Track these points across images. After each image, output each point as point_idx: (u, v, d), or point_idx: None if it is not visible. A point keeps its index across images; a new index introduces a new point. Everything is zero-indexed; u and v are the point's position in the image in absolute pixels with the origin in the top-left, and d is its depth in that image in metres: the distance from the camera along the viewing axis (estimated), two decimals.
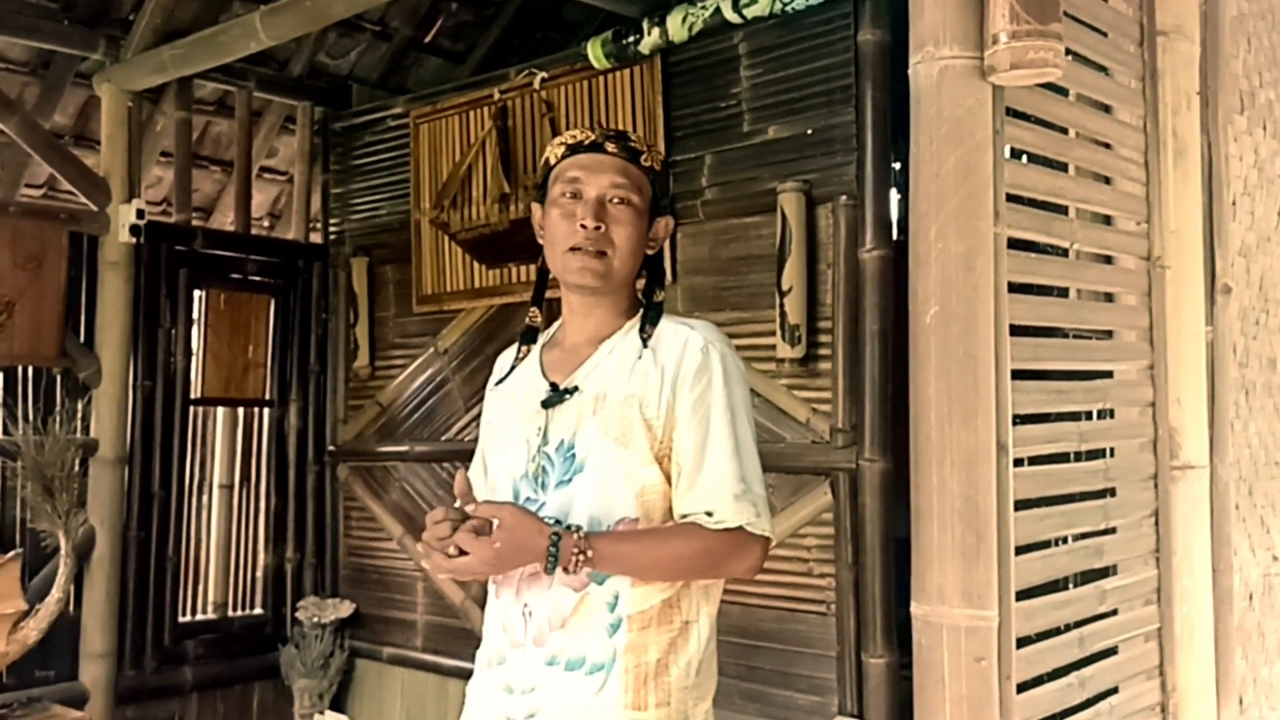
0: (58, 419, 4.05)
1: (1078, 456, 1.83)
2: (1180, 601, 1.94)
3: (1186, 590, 1.96)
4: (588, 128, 1.84)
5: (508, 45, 5.33)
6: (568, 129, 1.89)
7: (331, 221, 5.12)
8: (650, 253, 1.86)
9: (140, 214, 4.34)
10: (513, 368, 1.93)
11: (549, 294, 1.97)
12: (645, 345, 1.77)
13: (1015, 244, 1.68)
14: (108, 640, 4.32)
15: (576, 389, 1.78)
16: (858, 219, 3.47)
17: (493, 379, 1.98)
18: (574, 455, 1.76)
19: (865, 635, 3.39)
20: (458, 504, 1.69)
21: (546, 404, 1.80)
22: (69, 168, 4.34)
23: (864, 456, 3.40)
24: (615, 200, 1.76)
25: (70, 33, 4.31)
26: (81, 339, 4.33)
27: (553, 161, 1.83)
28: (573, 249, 1.76)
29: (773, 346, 3.59)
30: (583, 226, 1.75)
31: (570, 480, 1.75)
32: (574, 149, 1.80)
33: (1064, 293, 1.91)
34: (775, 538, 3.57)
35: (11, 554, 3.48)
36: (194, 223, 4.90)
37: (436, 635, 4.61)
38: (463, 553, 1.62)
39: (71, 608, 4.25)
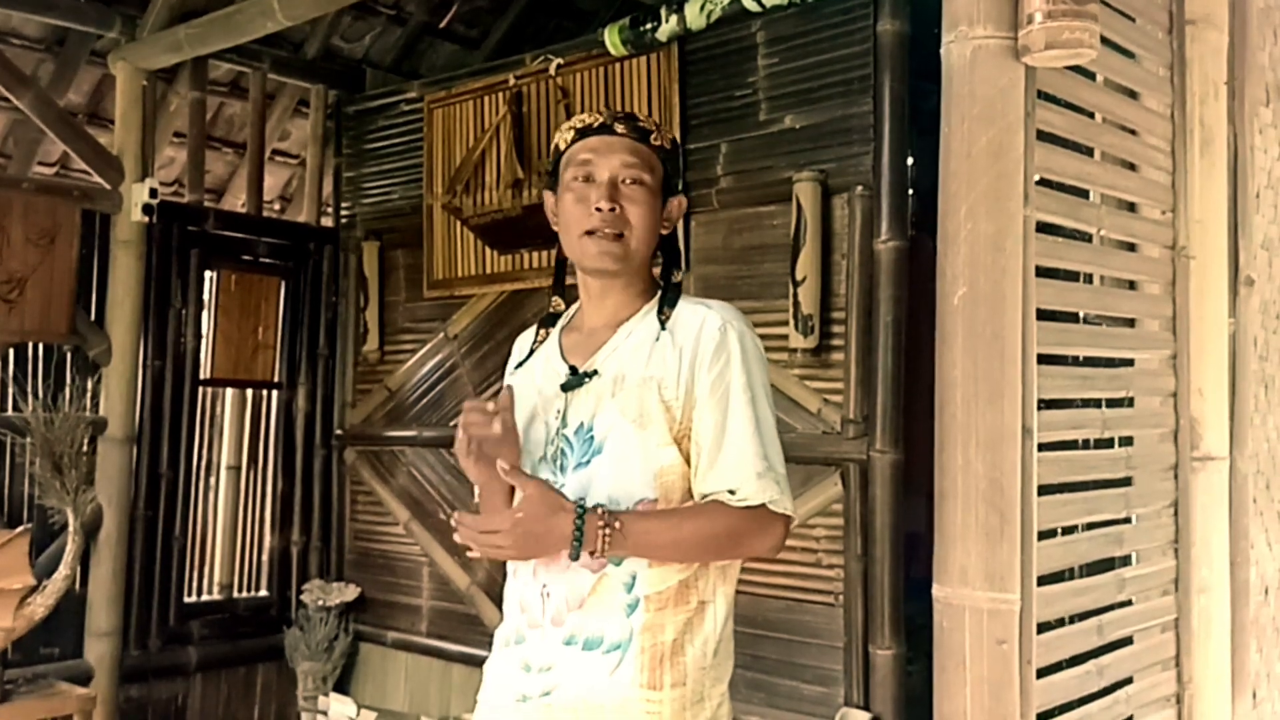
0: (67, 396, 4.05)
1: (1100, 444, 1.82)
2: (1198, 593, 1.94)
3: (1204, 582, 1.95)
4: (596, 111, 1.84)
5: (522, 31, 5.33)
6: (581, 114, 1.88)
7: (343, 205, 5.11)
8: (664, 233, 1.85)
9: (153, 193, 4.33)
10: (531, 351, 1.93)
11: (567, 280, 1.97)
12: (663, 327, 1.77)
13: (1042, 228, 1.67)
14: (113, 618, 4.32)
15: (596, 372, 1.78)
16: (873, 210, 3.46)
17: (512, 361, 1.98)
18: (592, 437, 1.76)
19: (873, 627, 3.38)
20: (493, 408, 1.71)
21: (566, 387, 1.80)
22: (82, 145, 4.33)
23: (875, 448, 3.39)
24: (628, 180, 1.76)
25: (86, 10, 4.30)
26: (92, 317, 4.33)
27: (563, 147, 1.83)
28: (588, 232, 1.76)
29: (785, 336, 3.58)
30: (598, 210, 1.74)
31: (589, 462, 1.75)
32: (583, 132, 1.80)
33: (1089, 278, 1.89)
34: None
35: (19, 529, 3.48)
36: (206, 204, 4.90)
37: (441, 620, 4.61)
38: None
39: (78, 585, 4.26)
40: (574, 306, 1.95)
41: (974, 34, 1.54)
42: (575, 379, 1.79)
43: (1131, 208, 1.99)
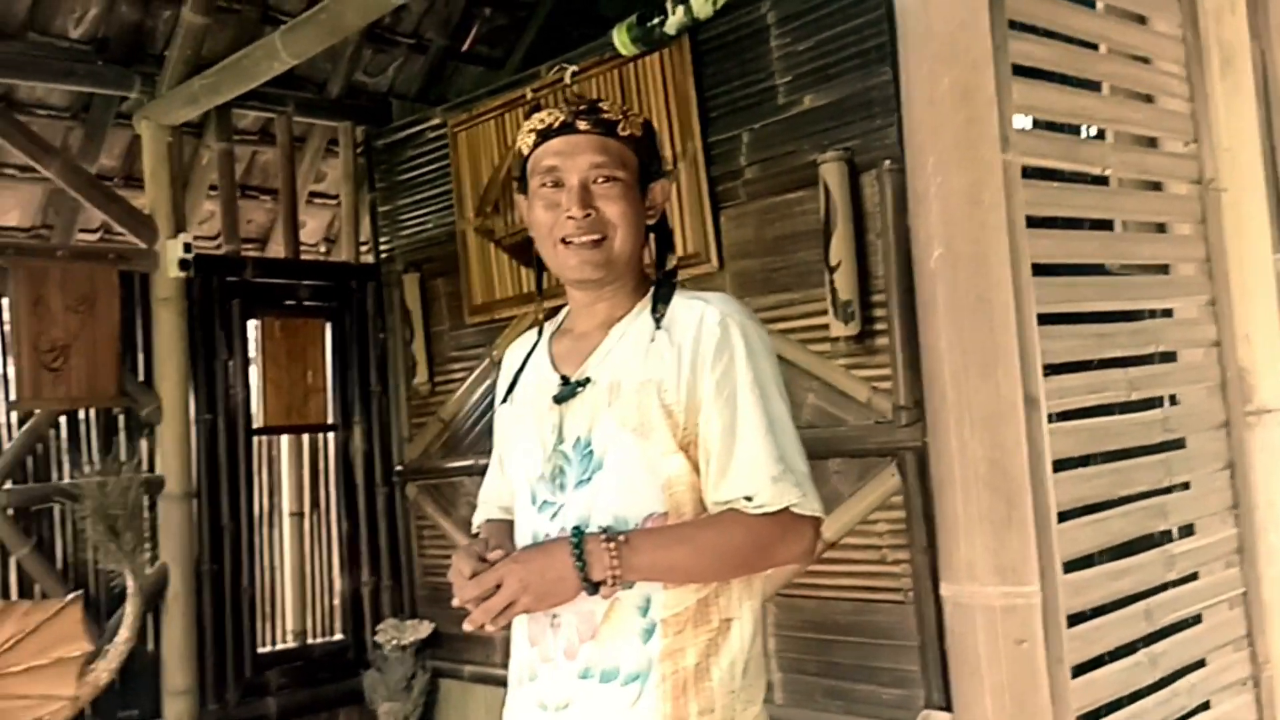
0: (120, 458, 4.07)
1: (1130, 408, 1.63)
2: (1267, 562, 1.72)
3: (1274, 548, 1.73)
4: (556, 106, 1.68)
5: (544, 46, 5.25)
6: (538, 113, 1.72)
7: (381, 239, 5.09)
8: (651, 221, 1.71)
9: (187, 248, 4.34)
10: (519, 373, 1.80)
11: None
12: (658, 326, 1.62)
13: (1038, 174, 1.49)
14: (188, 676, 4.33)
15: (589, 380, 1.64)
16: (904, 184, 3.24)
17: (502, 381, 1.86)
18: (591, 452, 1.62)
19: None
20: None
21: (559, 399, 1.66)
22: (114, 207, 4.37)
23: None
24: (599, 180, 1.62)
25: (105, 73, 4.34)
26: (140, 377, 4.35)
27: (525, 152, 1.69)
28: (564, 241, 1.63)
29: (826, 325, 3.43)
30: (570, 219, 1.61)
31: (590, 479, 1.61)
32: (545, 134, 1.65)
33: (1107, 225, 1.70)
34: (844, 526, 3.42)
35: (70, 596, 3.48)
36: (247, 253, 4.91)
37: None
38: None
39: (150, 645, 4.27)
40: (565, 310, 1.82)
41: None
42: (567, 389, 1.66)
43: (1152, 143, 1.80)
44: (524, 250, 4.34)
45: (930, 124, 1.37)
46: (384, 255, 5.08)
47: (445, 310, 4.82)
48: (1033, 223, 1.44)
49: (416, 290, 4.85)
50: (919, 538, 3.27)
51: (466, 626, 1.60)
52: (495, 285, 4.50)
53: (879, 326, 3.37)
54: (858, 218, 3.39)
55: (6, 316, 4.06)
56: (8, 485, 4.01)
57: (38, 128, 4.36)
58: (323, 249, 5.84)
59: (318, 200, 5.64)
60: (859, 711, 3.42)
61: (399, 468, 5.00)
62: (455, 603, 1.59)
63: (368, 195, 5.14)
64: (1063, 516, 1.40)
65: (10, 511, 4.01)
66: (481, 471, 4.89)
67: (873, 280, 3.39)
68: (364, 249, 5.20)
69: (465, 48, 5.28)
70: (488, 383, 4.63)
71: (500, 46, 5.32)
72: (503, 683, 5.03)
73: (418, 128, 4.90)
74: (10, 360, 4.02)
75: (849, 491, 3.42)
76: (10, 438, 4.05)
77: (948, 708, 3.18)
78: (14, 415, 4.06)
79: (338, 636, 4.91)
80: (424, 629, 4.78)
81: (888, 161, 3.33)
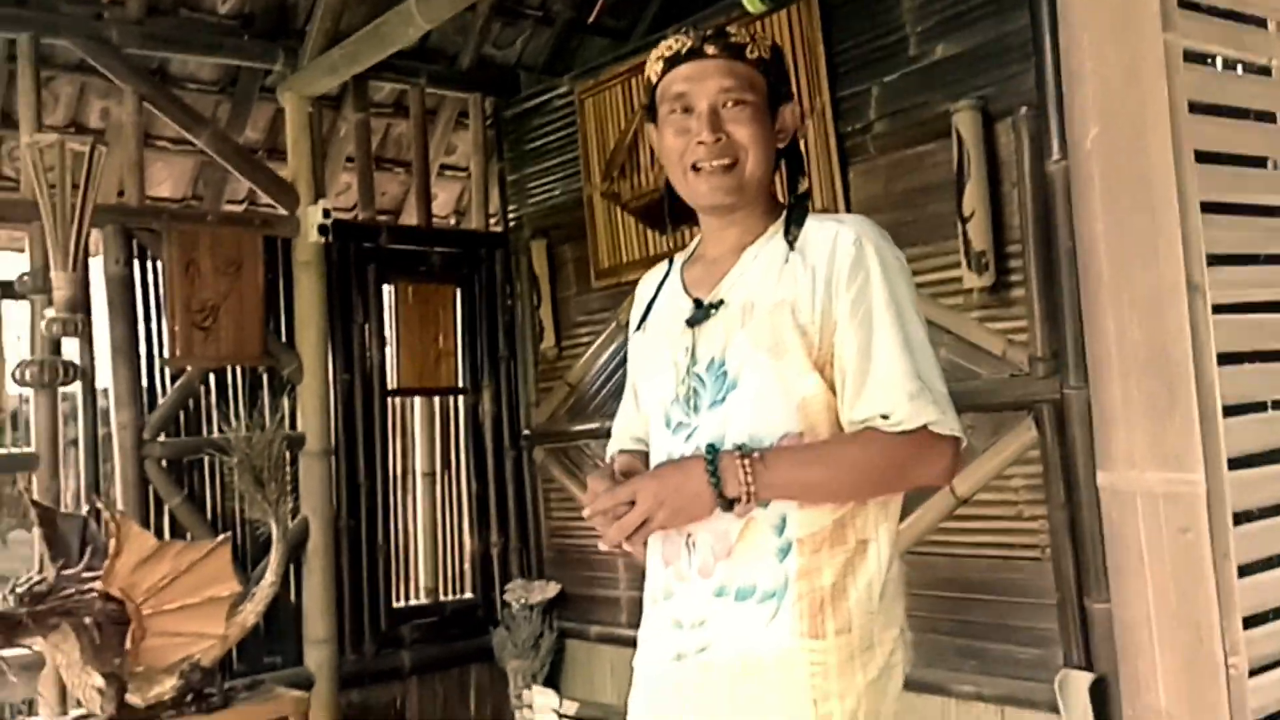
0: (265, 414, 4.23)
1: None
2: None
3: None
4: (684, 33, 1.68)
5: (668, 15, 5.25)
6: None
7: (510, 208, 5.18)
8: (781, 145, 1.71)
9: (326, 214, 4.49)
10: (652, 302, 1.83)
11: None
12: (792, 248, 1.62)
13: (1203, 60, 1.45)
14: (328, 626, 4.47)
15: (722, 302, 1.66)
16: (1041, 130, 3.19)
17: (635, 312, 1.89)
18: (725, 373, 1.63)
19: (1086, 578, 3.09)
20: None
21: (691, 322, 1.68)
22: (258, 175, 4.54)
23: (1069, 384, 3.11)
24: (729, 104, 1.62)
25: (250, 47, 4.51)
26: (282, 338, 4.51)
27: (654, 79, 1.70)
28: (694, 167, 1.64)
29: (959, 279, 3.36)
30: (701, 144, 1.62)
31: (724, 399, 1.62)
32: (673, 61, 1.66)
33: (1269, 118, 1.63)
34: (979, 481, 3.35)
35: (220, 538, 3.62)
36: (379, 220, 5.05)
37: (640, 611, 4.54)
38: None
39: (293, 596, 4.43)
40: (697, 238, 1.84)
41: None
42: (700, 312, 1.67)
43: None
44: (651, 212, 4.37)
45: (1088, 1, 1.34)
46: (512, 223, 5.17)
47: (572, 276, 4.88)
48: (1193, 109, 1.39)
49: (544, 256, 4.92)
50: (1056, 493, 3.18)
51: (602, 545, 1.62)
52: (621, 249, 4.54)
53: (1014, 278, 3.29)
54: (992, 167, 3.32)
55: (161, 279, 4.26)
56: (161, 438, 4.21)
57: (189, 100, 4.55)
58: (452, 221, 5.96)
59: (448, 173, 5.76)
60: (995, 671, 3.34)
61: (526, 431, 5.08)
62: (585, 514, 1.62)
63: (496, 165, 5.24)
64: (1229, 412, 1.35)
65: (164, 463, 4.21)
66: (608, 434, 4.93)
67: (1007, 231, 3.31)
68: (493, 219, 5.30)
69: (591, 19, 5.32)
70: (614, 346, 4.67)
71: (625, 18, 5.34)
72: (627, 643, 5.04)
73: (545, 97, 4.97)
74: (165, 319, 4.22)
75: (984, 446, 3.35)
76: (165, 393, 4.25)
77: (1088, 667, 3.09)
78: (168, 372, 4.25)
79: (468, 595, 5.01)
80: (551, 589, 4.86)
81: (1024, 108, 3.25)
